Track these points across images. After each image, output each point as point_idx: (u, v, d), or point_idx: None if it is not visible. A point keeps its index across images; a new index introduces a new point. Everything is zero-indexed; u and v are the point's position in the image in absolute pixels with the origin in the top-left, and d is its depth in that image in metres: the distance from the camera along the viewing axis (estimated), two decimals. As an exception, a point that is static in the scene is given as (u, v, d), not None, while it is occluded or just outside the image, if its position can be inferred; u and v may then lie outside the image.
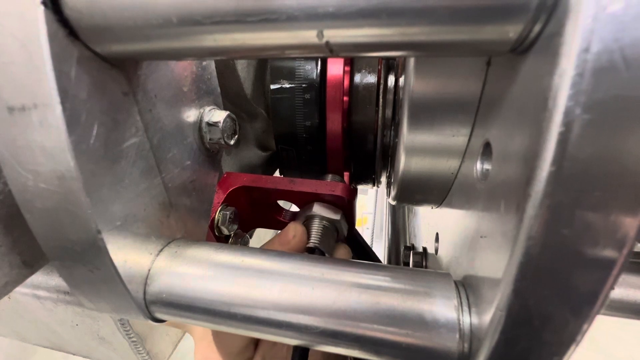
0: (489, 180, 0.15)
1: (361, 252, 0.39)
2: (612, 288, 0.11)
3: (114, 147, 0.16)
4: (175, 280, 0.18)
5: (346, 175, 0.36)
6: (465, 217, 0.18)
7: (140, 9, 0.12)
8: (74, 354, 0.50)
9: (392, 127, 0.31)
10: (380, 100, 0.31)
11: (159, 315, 0.19)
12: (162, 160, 0.19)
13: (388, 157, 0.33)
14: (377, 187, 0.40)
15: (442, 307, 0.16)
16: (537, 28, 0.10)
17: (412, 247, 0.41)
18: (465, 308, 0.16)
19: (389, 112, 0.31)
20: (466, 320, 0.15)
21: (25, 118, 0.13)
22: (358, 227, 0.37)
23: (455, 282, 0.17)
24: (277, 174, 0.41)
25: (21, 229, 0.17)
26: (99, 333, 0.44)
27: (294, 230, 0.28)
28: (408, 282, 0.17)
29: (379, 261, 0.42)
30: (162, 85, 0.18)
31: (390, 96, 0.31)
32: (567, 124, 0.09)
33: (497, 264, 0.13)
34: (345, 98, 0.31)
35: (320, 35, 0.11)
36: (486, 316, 0.13)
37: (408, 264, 0.38)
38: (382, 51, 0.12)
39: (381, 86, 0.31)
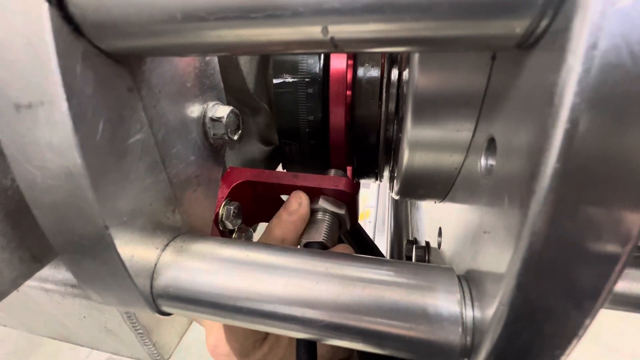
0: (493, 175, 0.15)
1: (364, 246, 0.39)
2: (615, 283, 0.11)
3: (120, 143, 0.16)
4: (181, 274, 0.19)
5: (349, 169, 0.36)
6: (469, 212, 0.18)
7: (145, 5, 0.12)
8: (81, 346, 0.51)
9: (396, 122, 0.31)
10: (384, 94, 0.31)
11: (165, 309, 0.19)
12: (166, 156, 0.19)
13: (391, 151, 0.33)
14: (380, 181, 0.40)
15: (445, 301, 0.16)
16: (543, 23, 0.10)
17: (415, 241, 0.41)
18: (468, 302, 0.16)
19: (392, 106, 0.31)
20: (469, 314, 0.16)
21: (32, 115, 0.13)
22: (360, 220, 0.37)
23: (458, 277, 0.17)
24: (279, 168, 0.41)
25: (30, 223, 0.17)
26: (106, 325, 0.45)
27: (298, 198, 0.29)
28: (411, 277, 0.17)
29: (382, 255, 0.42)
30: (166, 80, 0.18)
31: (393, 90, 0.31)
32: (573, 121, 0.09)
33: (500, 259, 0.13)
34: (349, 92, 0.31)
35: (325, 31, 0.11)
36: (489, 310, 0.14)
37: (410, 258, 0.38)
38: (386, 47, 0.12)
39: (384, 80, 0.31)
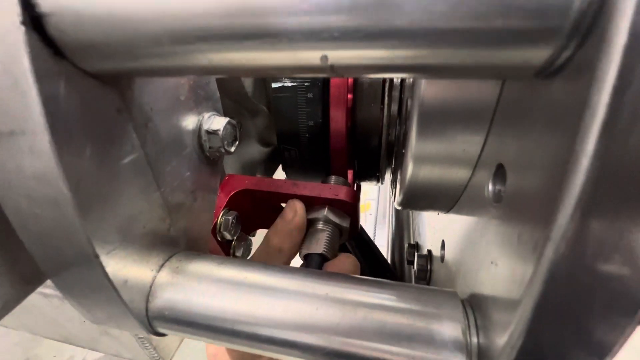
0: (503, 204, 0.14)
1: (366, 252, 0.38)
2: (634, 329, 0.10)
3: (109, 167, 0.15)
4: (177, 296, 0.18)
5: (350, 173, 0.35)
6: (475, 234, 0.18)
7: (129, 29, 0.11)
8: (82, 347, 0.51)
9: (398, 124, 0.30)
10: (386, 97, 0.30)
11: (161, 330, 0.19)
12: (160, 174, 0.18)
13: (393, 154, 0.32)
14: (381, 184, 0.39)
15: (450, 329, 0.15)
16: (566, 54, 0.09)
17: (417, 246, 0.40)
18: (473, 330, 0.15)
19: (394, 109, 0.30)
20: (474, 342, 0.15)
21: (14, 143, 0.12)
22: (361, 213, 0.37)
23: (463, 302, 0.17)
24: (279, 169, 0.41)
25: (20, 246, 0.17)
26: (107, 329, 0.45)
27: (293, 207, 0.29)
28: (415, 302, 0.17)
29: (384, 259, 0.42)
30: (158, 96, 0.17)
31: (395, 93, 0.30)
32: (597, 169, 0.08)
33: (509, 294, 0.12)
34: (350, 96, 0.30)
35: (324, 59, 0.10)
36: (497, 341, 0.13)
37: (412, 263, 0.38)
38: (390, 73, 0.11)
39: (387, 83, 0.29)
